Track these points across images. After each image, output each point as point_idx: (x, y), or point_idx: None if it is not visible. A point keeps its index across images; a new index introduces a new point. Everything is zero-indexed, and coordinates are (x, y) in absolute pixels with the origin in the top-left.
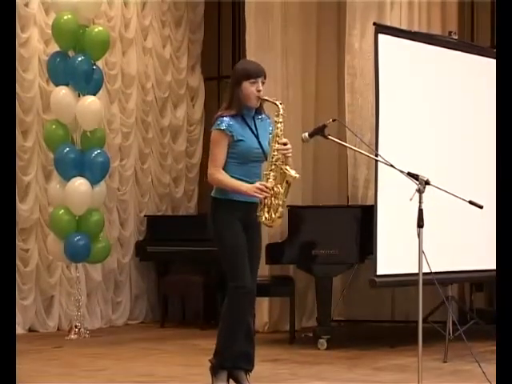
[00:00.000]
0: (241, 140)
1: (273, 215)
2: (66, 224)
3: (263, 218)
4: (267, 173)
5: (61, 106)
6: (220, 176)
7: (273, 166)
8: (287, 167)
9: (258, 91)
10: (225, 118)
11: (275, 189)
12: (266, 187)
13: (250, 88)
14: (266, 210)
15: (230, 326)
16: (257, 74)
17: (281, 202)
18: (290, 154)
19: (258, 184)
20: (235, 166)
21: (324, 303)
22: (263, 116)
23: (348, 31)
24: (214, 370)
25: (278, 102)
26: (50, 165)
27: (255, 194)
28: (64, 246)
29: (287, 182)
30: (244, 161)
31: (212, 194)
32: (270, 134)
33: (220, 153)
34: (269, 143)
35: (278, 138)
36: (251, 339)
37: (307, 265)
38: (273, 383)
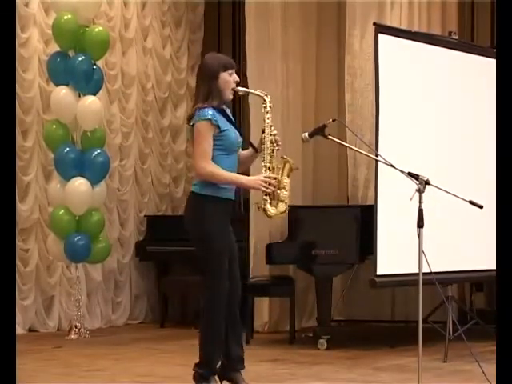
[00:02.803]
0: (226, 130)
1: (280, 207)
2: (66, 224)
3: (270, 212)
4: (266, 164)
5: (61, 106)
6: (214, 169)
7: (269, 157)
8: (284, 156)
9: (236, 82)
10: (207, 109)
11: (280, 180)
12: (271, 178)
13: (228, 79)
14: (268, 202)
15: (214, 329)
16: (232, 65)
17: (288, 193)
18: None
19: (261, 177)
20: (223, 157)
21: (324, 303)
22: (225, 107)
23: (348, 31)
24: (206, 378)
25: (263, 94)
26: (50, 165)
27: (261, 188)
28: (64, 246)
29: (290, 170)
30: (230, 151)
31: (196, 190)
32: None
33: (209, 145)
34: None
35: (269, 130)
36: (241, 339)
37: (307, 265)
38: (273, 383)
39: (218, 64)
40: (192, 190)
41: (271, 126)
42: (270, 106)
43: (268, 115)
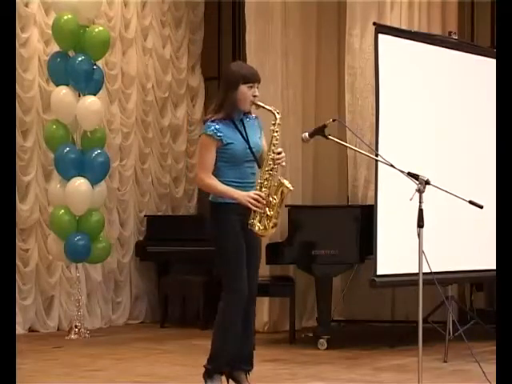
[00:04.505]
0: (231, 143)
1: (266, 225)
2: (66, 224)
3: (256, 228)
4: (262, 181)
5: (61, 106)
6: (211, 181)
7: (267, 175)
8: (281, 178)
9: (254, 96)
10: (212, 123)
11: (270, 199)
12: (261, 197)
13: (247, 92)
14: (257, 219)
15: (226, 329)
16: (255, 78)
17: (275, 214)
18: (284, 163)
19: (251, 193)
20: (228, 169)
21: (324, 303)
22: (251, 116)
23: (348, 31)
24: (210, 375)
25: (275, 111)
26: (50, 165)
27: (248, 204)
28: (64, 246)
29: (282, 192)
30: (237, 163)
31: (211, 199)
32: (260, 136)
33: (209, 158)
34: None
35: (273, 148)
36: (251, 339)
37: (307, 265)
38: (273, 383)
39: (239, 75)
40: (209, 199)
41: (277, 144)
42: (279, 124)
43: (276, 134)
